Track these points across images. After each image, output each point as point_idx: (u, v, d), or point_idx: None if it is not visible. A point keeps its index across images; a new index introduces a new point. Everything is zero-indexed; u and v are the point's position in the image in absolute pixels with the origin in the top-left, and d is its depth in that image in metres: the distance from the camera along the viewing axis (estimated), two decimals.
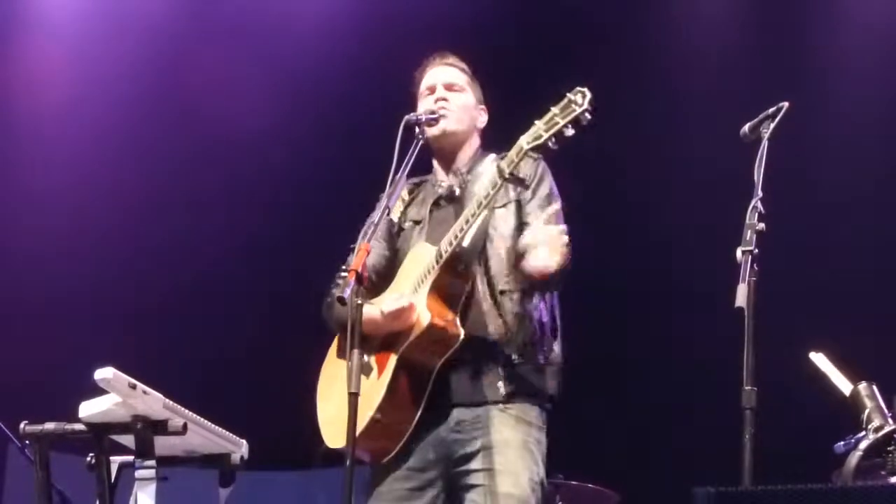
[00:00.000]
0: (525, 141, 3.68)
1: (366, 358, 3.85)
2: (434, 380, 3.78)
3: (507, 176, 3.69)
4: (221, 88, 7.47)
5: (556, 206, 3.92)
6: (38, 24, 7.50)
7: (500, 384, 3.81)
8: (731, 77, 7.23)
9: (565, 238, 3.65)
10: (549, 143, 3.64)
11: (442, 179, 4.09)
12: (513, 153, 3.71)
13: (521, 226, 3.90)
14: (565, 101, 3.65)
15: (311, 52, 7.53)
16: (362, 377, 3.82)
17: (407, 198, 4.11)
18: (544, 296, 3.94)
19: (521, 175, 3.72)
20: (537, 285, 3.82)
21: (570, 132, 3.63)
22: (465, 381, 3.81)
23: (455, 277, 3.83)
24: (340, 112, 7.37)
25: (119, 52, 7.47)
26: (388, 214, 3.84)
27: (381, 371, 3.81)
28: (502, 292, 3.86)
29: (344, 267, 4.02)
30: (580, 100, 3.62)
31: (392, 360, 3.79)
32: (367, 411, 3.69)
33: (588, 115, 3.61)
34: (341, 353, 3.99)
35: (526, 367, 3.85)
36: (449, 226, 3.89)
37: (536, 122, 3.68)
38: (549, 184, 3.99)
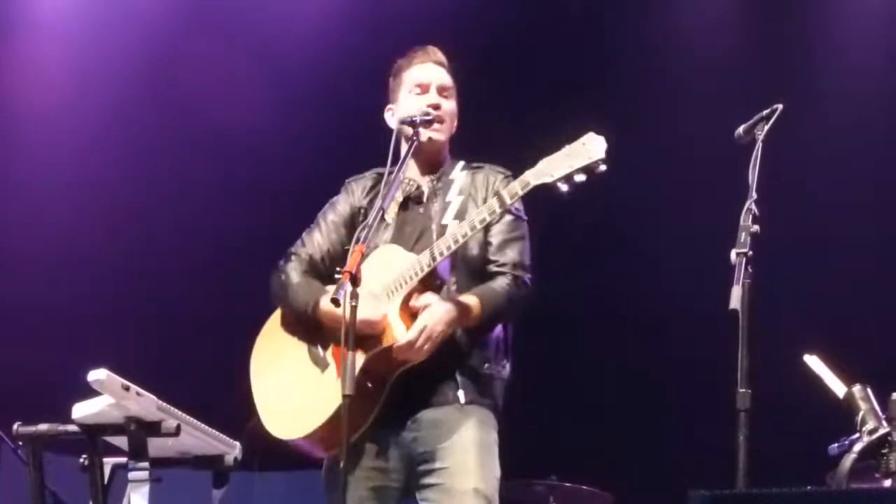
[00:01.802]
0: (532, 178, 3.68)
1: (321, 352, 3.89)
2: (394, 382, 3.79)
3: (508, 207, 3.72)
4: (220, 87, 7.45)
5: (522, 230, 3.95)
6: (34, 22, 7.48)
7: (460, 392, 3.83)
8: (729, 78, 7.23)
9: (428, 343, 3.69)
10: (558, 185, 3.64)
11: (412, 178, 4.06)
12: (517, 186, 3.72)
13: (486, 244, 3.93)
14: (580, 144, 3.64)
15: (310, 51, 7.52)
16: (317, 370, 3.87)
17: (368, 187, 4.09)
18: None
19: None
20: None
21: (580, 178, 3.62)
22: (424, 385, 3.83)
23: (429, 290, 3.84)
24: (340, 111, 7.36)
25: (117, 51, 7.44)
26: (382, 216, 3.82)
27: (340, 367, 3.75)
28: None
29: (292, 250, 4.04)
30: (596, 148, 3.61)
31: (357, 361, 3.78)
32: (330, 403, 3.69)
33: (602, 165, 3.60)
34: (289, 329, 3.98)
35: (482, 377, 3.88)
36: (415, 229, 3.93)
37: (546, 159, 3.67)
38: (516, 207, 3.99)
